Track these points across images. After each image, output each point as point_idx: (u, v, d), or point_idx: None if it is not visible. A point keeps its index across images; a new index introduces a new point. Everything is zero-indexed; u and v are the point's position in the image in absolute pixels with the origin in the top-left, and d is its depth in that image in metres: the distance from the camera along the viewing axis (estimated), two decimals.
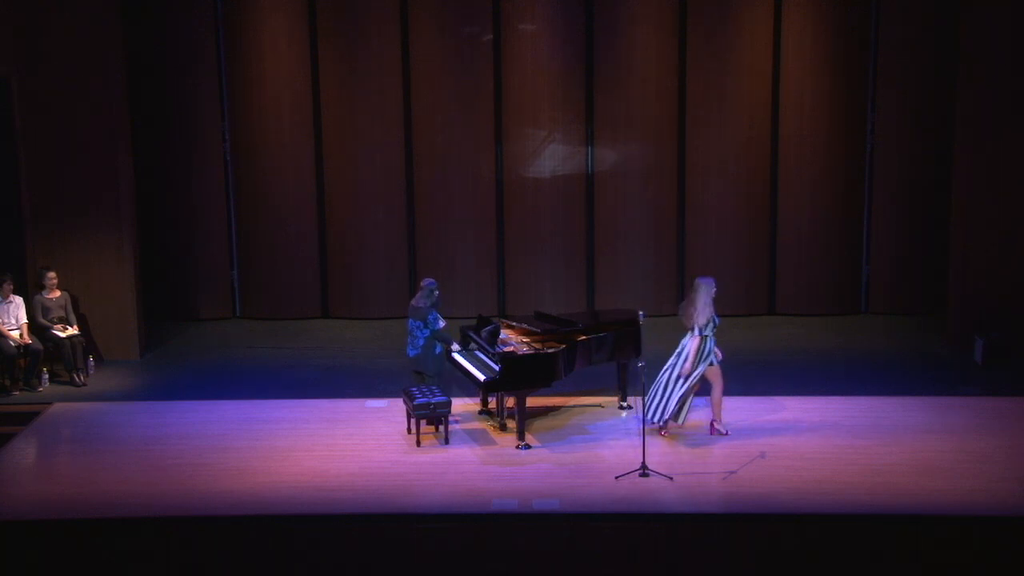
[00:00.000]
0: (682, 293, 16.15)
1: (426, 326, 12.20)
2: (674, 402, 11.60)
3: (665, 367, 11.69)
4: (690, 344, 11.52)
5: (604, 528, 10.14)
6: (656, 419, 11.68)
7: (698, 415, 12.43)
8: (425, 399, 11.70)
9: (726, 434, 11.84)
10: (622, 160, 15.90)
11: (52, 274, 13.91)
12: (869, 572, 10.01)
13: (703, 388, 11.83)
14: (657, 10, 15.59)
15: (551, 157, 15.91)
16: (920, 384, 13.38)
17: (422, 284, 12.40)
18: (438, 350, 12.34)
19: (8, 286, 13.57)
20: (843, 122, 15.78)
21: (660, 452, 11.26)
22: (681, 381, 11.55)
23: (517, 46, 15.73)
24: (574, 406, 12.74)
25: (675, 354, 11.68)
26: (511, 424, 11.94)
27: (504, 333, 12.27)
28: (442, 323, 12.38)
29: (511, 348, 11.90)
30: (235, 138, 15.99)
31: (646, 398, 11.37)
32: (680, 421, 11.80)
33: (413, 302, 12.41)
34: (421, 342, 12.26)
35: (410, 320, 12.37)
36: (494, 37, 15.73)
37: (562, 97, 15.78)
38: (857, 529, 10.03)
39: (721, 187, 15.92)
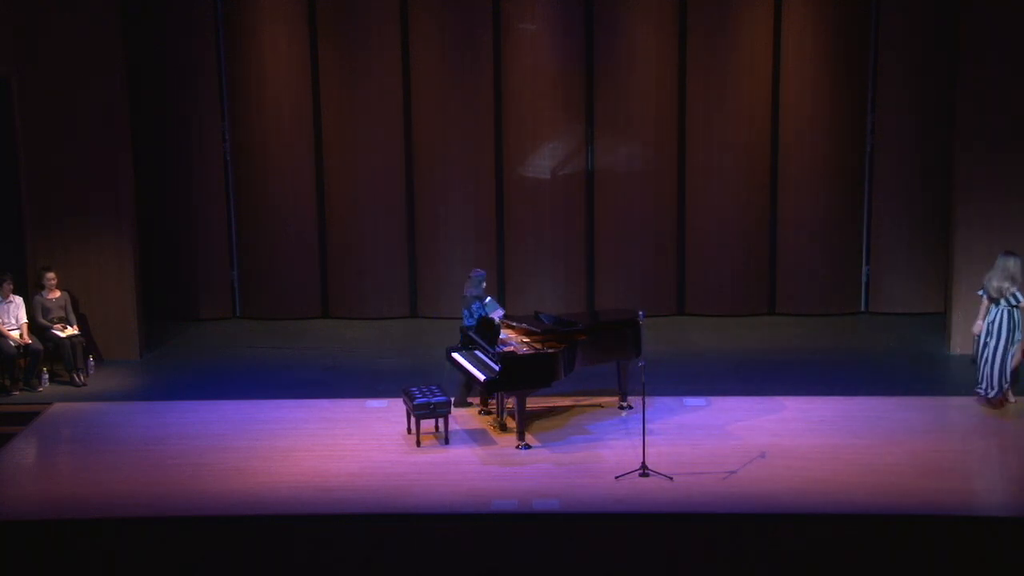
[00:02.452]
0: (682, 293, 16.22)
1: (471, 315, 12.43)
2: (1005, 373, 12.25)
3: (984, 343, 12.25)
4: (1020, 316, 12.16)
5: (604, 528, 10.14)
6: (993, 393, 12.27)
7: (701, 415, 12.44)
8: (425, 399, 11.70)
9: (1014, 403, 12.36)
10: (622, 160, 15.90)
11: (52, 274, 13.91)
12: (869, 572, 10.01)
13: None
14: (657, 10, 15.59)
15: (551, 157, 15.91)
16: (920, 384, 13.38)
17: (471, 275, 12.66)
18: None
19: (8, 286, 13.57)
20: (843, 122, 15.78)
21: (660, 452, 11.26)
22: (1012, 352, 12.18)
23: (517, 46, 15.73)
24: (574, 406, 12.74)
25: (986, 331, 12.27)
26: (511, 424, 11.94)
27: (504, 333, 12.27)
28: (499, 311, 12.50)
29: (511, 348, 11.90)
30: (235, 138, 15.99)
31: (982, 374, 12.33)
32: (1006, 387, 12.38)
33: (464, 291, 12.73)
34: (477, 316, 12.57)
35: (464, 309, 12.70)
36: (494, 37, 15.72)
37: (562, 97, 15.78)
38: (857, 529, 10.03)
39: (721, 187, 15.91)
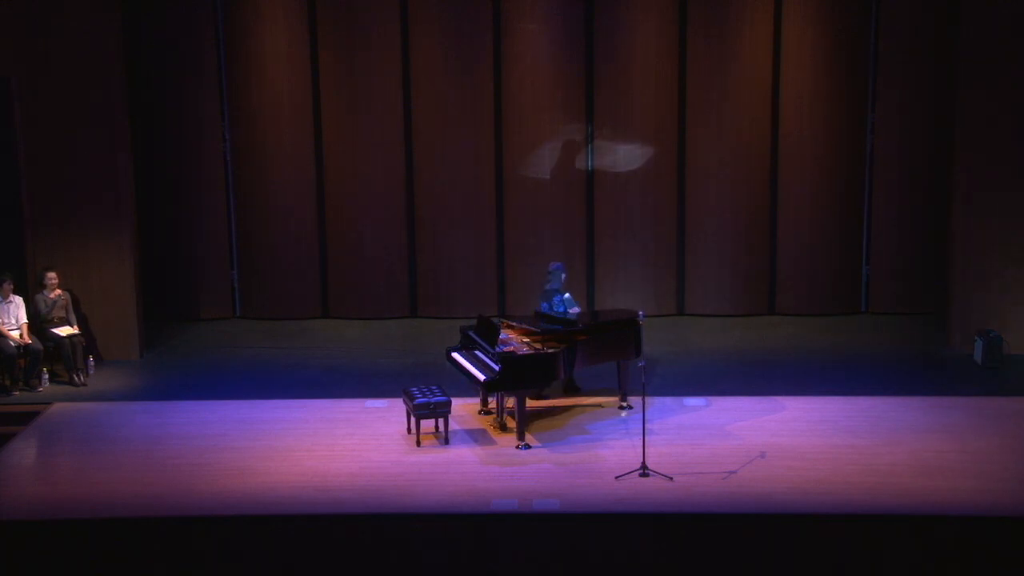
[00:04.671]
0: (682, 293, 16.22)
1: (551, 308, 12.58)
2: None
3: None
4: None
5: (604, 528, 10.14)
6: None
7: (701, 415, 12.44)
8: (425, 399, 11.70)
9: None
10: (622, 159, 15.90)
11: (53, 274, 13.91)
12: (869, 572, 10.01)
13: None
14: (657, 9, 15.58)
15: (551, 157, 15.91)
16: (920, 384, 13.38)
17: (550, 268, 12.95)
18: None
19: (8, 286, 13.57)
20: (843, 122, 15.78)
21: (660, 452, 11.26)
22: None
23: (517, 46, 15.73)
24: (574, 406, 12.74)
25: None
26: (511, 424, 11.94)
27: (504, 333, 12.28)
28: (576, 309, 12.66)
29: (511, 348, 11.91)
30: (235, 138, 15.98)
31: None
32: None
33: (544, 286, 12.97)
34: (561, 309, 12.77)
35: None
36: (494, 37, 15.72)
37: (562, 97, 15.78)
38: (857, 529, 10.04)
39: (721, 187, 15.91)
